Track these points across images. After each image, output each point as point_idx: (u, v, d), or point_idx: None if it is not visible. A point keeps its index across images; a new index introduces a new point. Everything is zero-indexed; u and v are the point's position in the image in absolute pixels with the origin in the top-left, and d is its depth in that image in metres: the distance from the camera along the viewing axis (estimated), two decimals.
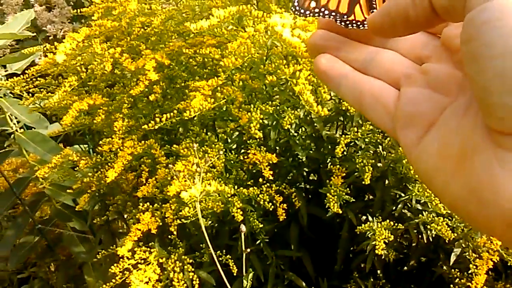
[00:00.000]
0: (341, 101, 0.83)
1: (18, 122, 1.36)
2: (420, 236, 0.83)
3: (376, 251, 0.66)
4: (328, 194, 0.71)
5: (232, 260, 0.79)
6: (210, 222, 0.80)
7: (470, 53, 0.17)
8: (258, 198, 0.73)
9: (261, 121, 0.64)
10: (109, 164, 0.86)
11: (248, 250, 0.62)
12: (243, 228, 0.62)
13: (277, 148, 0.84)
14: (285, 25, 0.59)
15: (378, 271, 0.88)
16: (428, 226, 0.71)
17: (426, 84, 0.21)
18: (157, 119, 0.68)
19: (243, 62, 0.65)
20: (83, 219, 1.40)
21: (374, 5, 0.25)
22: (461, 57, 0.19)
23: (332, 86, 0.24)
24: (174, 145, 0.76)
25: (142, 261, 0.76)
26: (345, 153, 0.82)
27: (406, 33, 0.21)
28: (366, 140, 0.74)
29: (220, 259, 0.79)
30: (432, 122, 0.20)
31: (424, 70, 0.22)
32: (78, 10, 1.01)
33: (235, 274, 0.77)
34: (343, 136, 0.70)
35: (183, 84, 0.93)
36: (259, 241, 0.84)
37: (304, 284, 0.88)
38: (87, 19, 1.92)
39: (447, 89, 0.21)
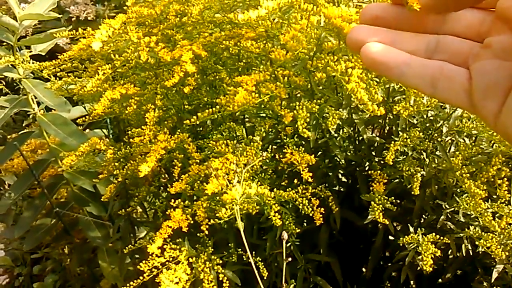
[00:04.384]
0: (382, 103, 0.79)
1: (39, 104, 1.34)
2: (458, 249, 0.79)
3: (424, 267, 0.63)
4: (372, 203, 0.68)
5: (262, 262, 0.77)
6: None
7: None
8: (297, 202, 0.70)
9: (308, 119, 0.61)
10: (139, 156, 0.83)
11: (289, 259, 0.59)
12: (285, 235, 0.59)
13: (314, 149, 0.81)
14: (345, 18, 0.55)
15: (411, 282, 0.85)
16: (476, 242, 0.68)
17: (493, 56, 0.22)
18: (199, 114, 0.65)
19: (291, 57, 0.61)
20: (100, 204, 1.39)
21: None
22: None
23: (393, 75, 0.24)
24: (212, 142, 0.73)
25: (171, 259, 0.73)
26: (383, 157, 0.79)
27: (457, 10, 0.23)
28: (411, 146, 0.71)
29: (249, 260, 0.77)
30: (509, 89, 0.21)
31: (487, 44, 0.23)
32: None
33: (265, 277, 0.75)
34: (392, 142, 0.67)
35: (216, 76, 0.89)
36: (289, 243, 0.82)
37: None
38: (110, 2, 1.89)
39: None
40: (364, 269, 0.92)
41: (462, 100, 0.23)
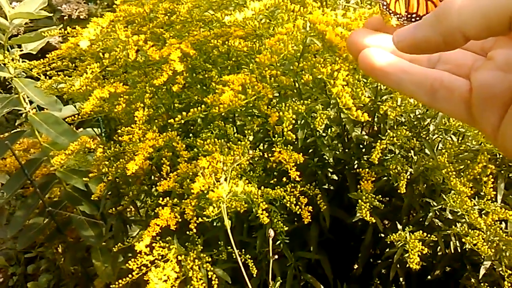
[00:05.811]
0: (371, 102, 0.80)
1: (31, 103, 1.34)
2: (447, 246, 0.80)
3: (410, 265, 0.63)
4: (360, 201, 0.68)
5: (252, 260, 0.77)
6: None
7: None
8: (284, 200, 0.70)
9: (293, 121, 0.61)
10: (128, 154, 0.83)
11: (276, 256, 0.60)
12: (271, 233, 0.59)
13: (303, 147, 0.81)
14: (329, 22, 0.55)
15: (401, 279, 0.85)
16: (463, 239, 0.68)
17: (496, 68, 0.22)
18: (184, 114, 0.65)
19: (278, 59, 0.61)
20: (93, 203, 1.38)
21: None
22: None
23: (391, 82, 0.24)
24: (199, 140, 0.73)
25: (160, 257, 0.74)
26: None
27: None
28: (398, 144, 0.71)
29: (239, 258, 0.77)
30: (509, 101, 0.21)
31: (490, 56, 0.22)
32: None
33: (255, 275, 0.75)
34: (379, 141, 0.67)
35: (206, 75, 0.89)
36: (278, 241, 0.82)
37: (322, 287, 0.86)
38: (102, 0, 1.88)
39: None
40: (354, 267, 0.92)
41: (461, 111, 0.22)
